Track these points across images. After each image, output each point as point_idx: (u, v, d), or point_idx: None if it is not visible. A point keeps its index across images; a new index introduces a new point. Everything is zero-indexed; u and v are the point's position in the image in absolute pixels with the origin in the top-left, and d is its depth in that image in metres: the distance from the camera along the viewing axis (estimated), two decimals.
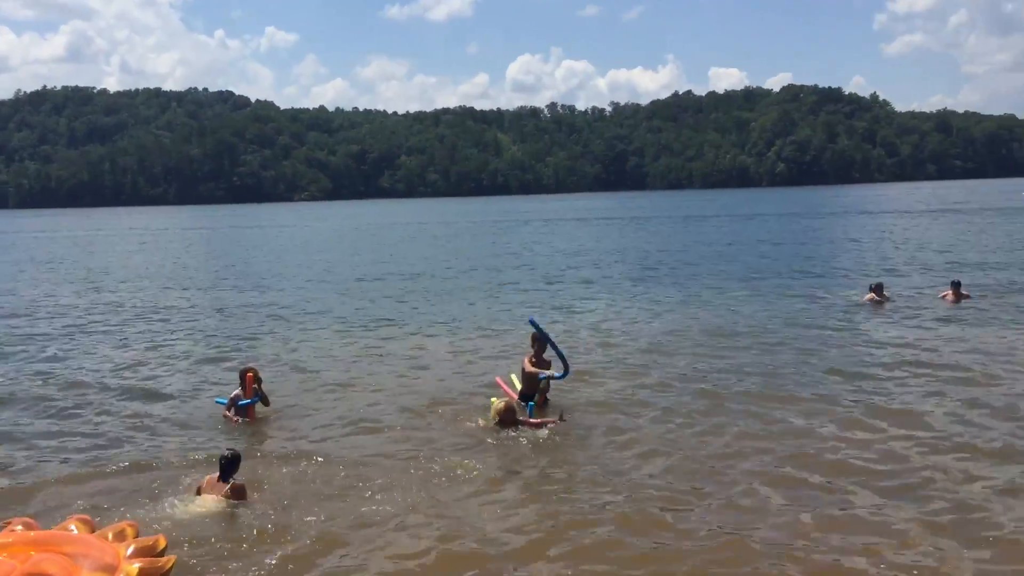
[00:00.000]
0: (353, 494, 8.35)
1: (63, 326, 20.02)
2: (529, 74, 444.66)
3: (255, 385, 11.28)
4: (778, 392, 11.90)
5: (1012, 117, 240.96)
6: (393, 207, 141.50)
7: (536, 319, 11.77)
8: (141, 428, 11.04)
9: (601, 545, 7.16)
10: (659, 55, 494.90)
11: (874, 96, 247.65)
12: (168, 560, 6.09)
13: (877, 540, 7.08)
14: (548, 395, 11.51)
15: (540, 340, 11.54)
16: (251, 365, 12.24)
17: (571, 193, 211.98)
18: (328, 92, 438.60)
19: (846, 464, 8.91)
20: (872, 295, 19.74)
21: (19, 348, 17.07)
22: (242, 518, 7.75)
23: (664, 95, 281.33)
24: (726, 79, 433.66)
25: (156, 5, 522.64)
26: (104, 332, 19.01)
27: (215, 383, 13.41)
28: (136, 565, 5.83)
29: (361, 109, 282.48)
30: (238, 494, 8.00)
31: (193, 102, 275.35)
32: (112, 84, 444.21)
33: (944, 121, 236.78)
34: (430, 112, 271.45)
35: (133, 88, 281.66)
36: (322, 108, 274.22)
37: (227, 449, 8.46)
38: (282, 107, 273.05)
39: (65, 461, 9.71)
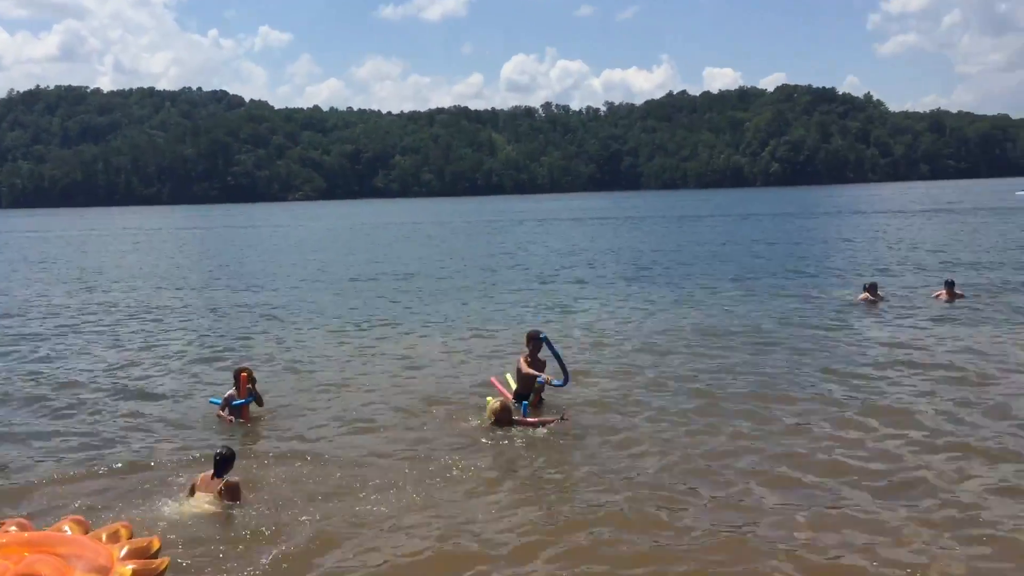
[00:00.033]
0: (348, 494, 8.34)
1: (56, 326, 19.96)
2: (524, 74, 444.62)
3: (249, 385, 11.27)
4: (772, 392, 11.92)
5: (1005, 117, 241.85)
6: (387, 207, 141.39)
7: (547, 336, 11.61)
8: (135, 428, 11.01)
9: (598, 545, 7.17)
10: (653, 55, 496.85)
11: (868, 96, 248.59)
12: (162, 562, 6.07)
13: (871, 538, 7.11)
14: (543, 395, 11.53)
15: (535, 340, 11.57)
16: (245, 365, 12.23)
17: (566, 193, 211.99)
18: (322, 92, 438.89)
19: (840, 463, 8.93)
20: (866, 295, 19.77)
21: (12, 348, 17.02)
22: (236, 518, 7.74)
23: (659, 95, 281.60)
24: (720, 79, 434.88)
25: (150, 4, 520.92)
26: (98, 332, 18.96)
27: (209, 383, 13.37)
28: (130, 567, 5.81)
29: (355, 109, 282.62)
30: (232, 491, 7.97)
31: (187, 102, 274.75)
32: (106, 84, 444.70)
33: (938, 121, 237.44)
34: (424, 112, 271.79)
35: (127, 88, 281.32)
36: (316, 108, 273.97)
37: (222, 446, 8.45)
38: (276, 107, 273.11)
39: (59, 461, 9.67)
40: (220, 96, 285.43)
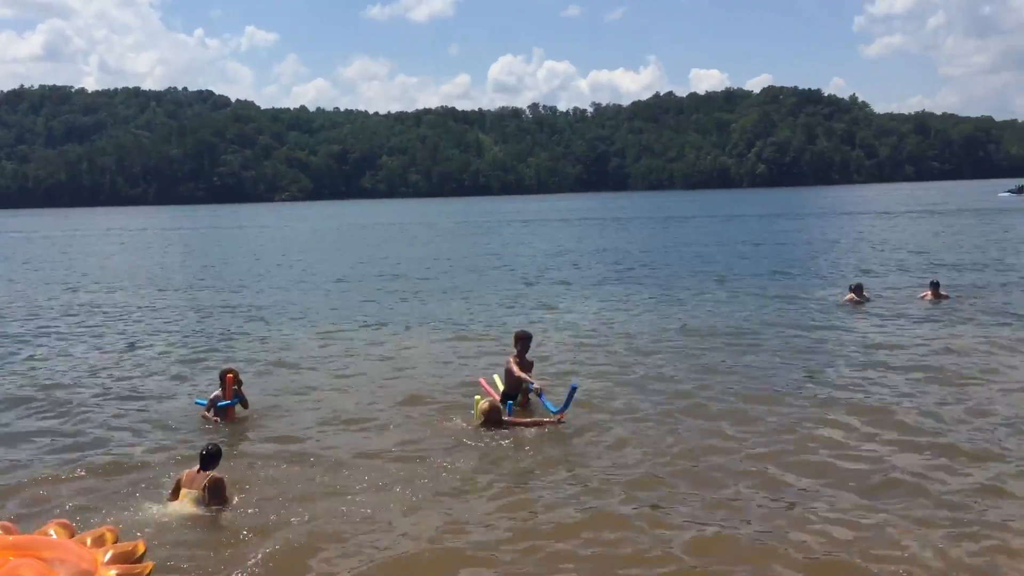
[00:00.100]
0: (335, 495, 8.32)
1: (38, 327, 19.80)
2: (511, 75, 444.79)
3: (235, 386, 11.22)
4: (757, 392, 11.96)
5: (989, 119, 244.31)
6: (374, 207, 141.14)
7: (578, 384, 11.08)
8: (120, 429, 10.94)
9: (585, 545, 7.17)
10: (641, 56, 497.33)
11: (853, 98, 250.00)
12: (146, 567, 6.03)
13: (856, 536, 7.15)
14: (530, 396, 11.53)
15: (523, 340, 11.59)
16: (231, 366, 12.17)
17: (553, 194, 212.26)
18: (309, 92, 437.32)
19: (825, 463, 8.98)
20: (852, 295, 19.87)
21: None
22: (222, 520, 7.71)
23: (645, 96, 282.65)
24: (707, 80, 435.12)
25: (135, 4, 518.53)
26: (82, 333, 18.82)
27: (194, 384, 13.31)
28: (113, 572, 5.78)
29: (342, 109, 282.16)
30: (217, 487, 7.92)
31: (172, 102, 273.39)
32: (91, 83, 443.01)
33: (922, 123, 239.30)
34: (412, 112, 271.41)
35: (112, 87, 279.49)
36: (303, 108, 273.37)
37: (209, 444, 8.41)
38: (263, 107, 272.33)
39: (43, 463, 9.59)
40: (206, 96, 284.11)
